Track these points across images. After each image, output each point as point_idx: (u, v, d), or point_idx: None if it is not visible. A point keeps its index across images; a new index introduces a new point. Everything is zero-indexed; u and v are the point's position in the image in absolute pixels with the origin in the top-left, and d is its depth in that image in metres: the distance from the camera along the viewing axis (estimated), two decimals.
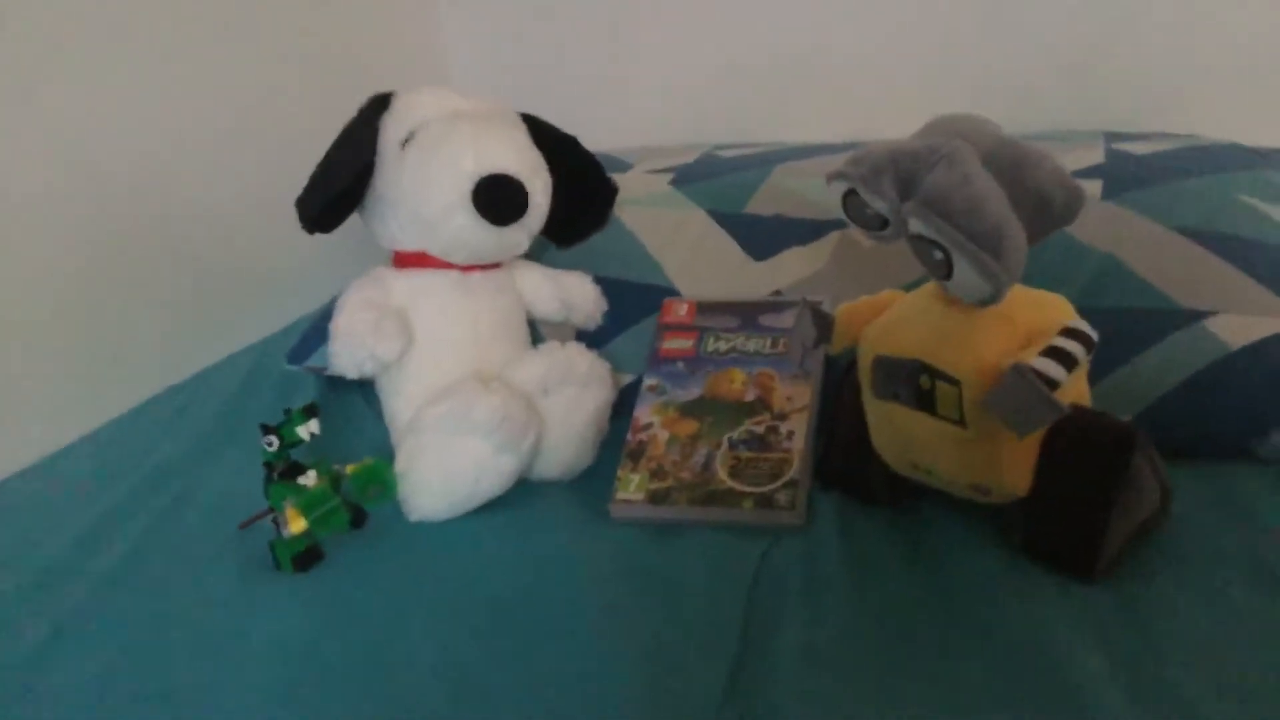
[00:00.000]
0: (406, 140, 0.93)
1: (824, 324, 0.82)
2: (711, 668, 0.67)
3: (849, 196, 0.72)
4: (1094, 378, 0.78)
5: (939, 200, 0.65)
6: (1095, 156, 1.09)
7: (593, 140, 1.05)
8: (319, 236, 0.96)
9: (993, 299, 0.67)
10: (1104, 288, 0.91)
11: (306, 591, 0.80)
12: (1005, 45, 1.35)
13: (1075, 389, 0.73)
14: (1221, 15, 1.24)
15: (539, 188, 0.93)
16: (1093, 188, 1.00)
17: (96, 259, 1.17)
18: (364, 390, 1.11)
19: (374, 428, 1.03)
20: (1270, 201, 0.99)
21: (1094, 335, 0.70)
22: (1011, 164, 0.68)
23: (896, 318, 0.78)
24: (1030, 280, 0.71)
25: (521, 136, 0.95)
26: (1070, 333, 0.69)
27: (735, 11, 1.47)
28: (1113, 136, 1.16)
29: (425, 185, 0.90)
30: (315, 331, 1.16)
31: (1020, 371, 0.66)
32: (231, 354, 1.29)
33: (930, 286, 0.76)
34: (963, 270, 0.66)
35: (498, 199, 0.89)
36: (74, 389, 1.15)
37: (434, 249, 0.94)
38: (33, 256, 1.11)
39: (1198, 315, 0.87)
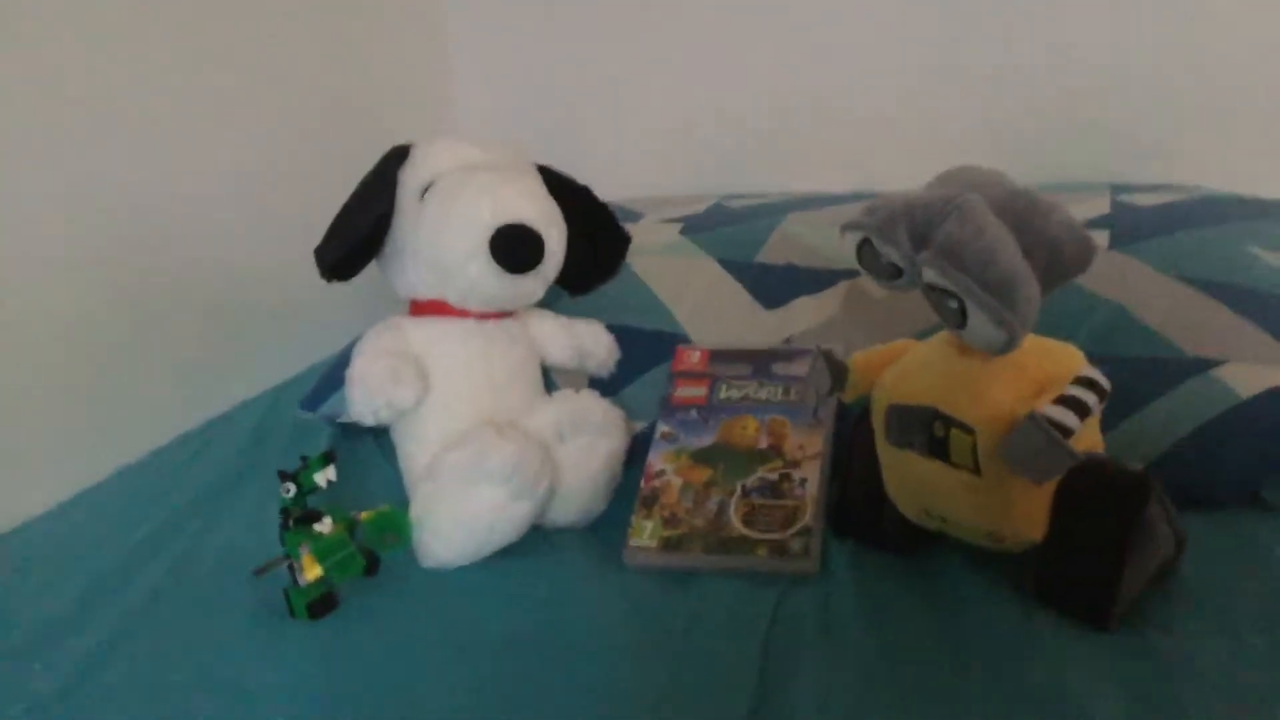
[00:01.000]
0: (425, 190, 0.94)
1: (838, 371, 0.82)
2: (727, 716, 0.67)
3: (863, 246, 0.73)
4: (1105, 426, 0.79)
5: (953, 251, 0.66)
6: (1102, 207, 1.11)
7: (597, 189, 1.07)
8: (332, 284, 0.97)
9: (1006, 348, 0.68)
10: (1113, 337, 0.92)
11: (320, 638, 0.79)
12: (1009, 97, 1.37)
13: (1089, 437, 0.74)
14: (1225, 69, 1.27)
15: (555, 237, 0.94)
16: (1100, 238, 1.02)
17: (109, 304, 1.19)
18: (377, 437, 1.11)
19: (387, 474, 1.04)
20: (1275, 251, 1.01)
21: (1107, 384, 0.70)
22: (1024, 215, 0.69)
23: (910, 366, 0.78)
24: (1040, 329, 0.72)
25: (538, 186, 0.96)
26: (1084, 381, 0.70)
27: (740, 63, 1.50)
28: (1118, 188, 1.18)
29: (443, 234, 0.92)
30: (329, 378, 1.17)
31: (1035, 420, 0.67)
32: (244, 401, 1.30)
33: (944, 335, 0.77)
34: (977, 319, 0.67)
35: (515, 248, 0.91)
36: (86, 436, 1.16)
37: (451, 297, 0.95)
38: (44, 301, 1.12)
39: (1207, 364, 0.88)
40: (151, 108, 1.23)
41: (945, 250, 0.67)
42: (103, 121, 1.17)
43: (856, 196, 1.22)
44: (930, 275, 0.68)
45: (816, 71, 1.46)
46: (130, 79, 1.20)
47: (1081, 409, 0.68)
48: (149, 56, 1.22)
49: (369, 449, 1.11)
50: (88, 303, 1.16)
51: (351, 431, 1.14)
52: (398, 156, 0.98)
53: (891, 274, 0.73)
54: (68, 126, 1.13)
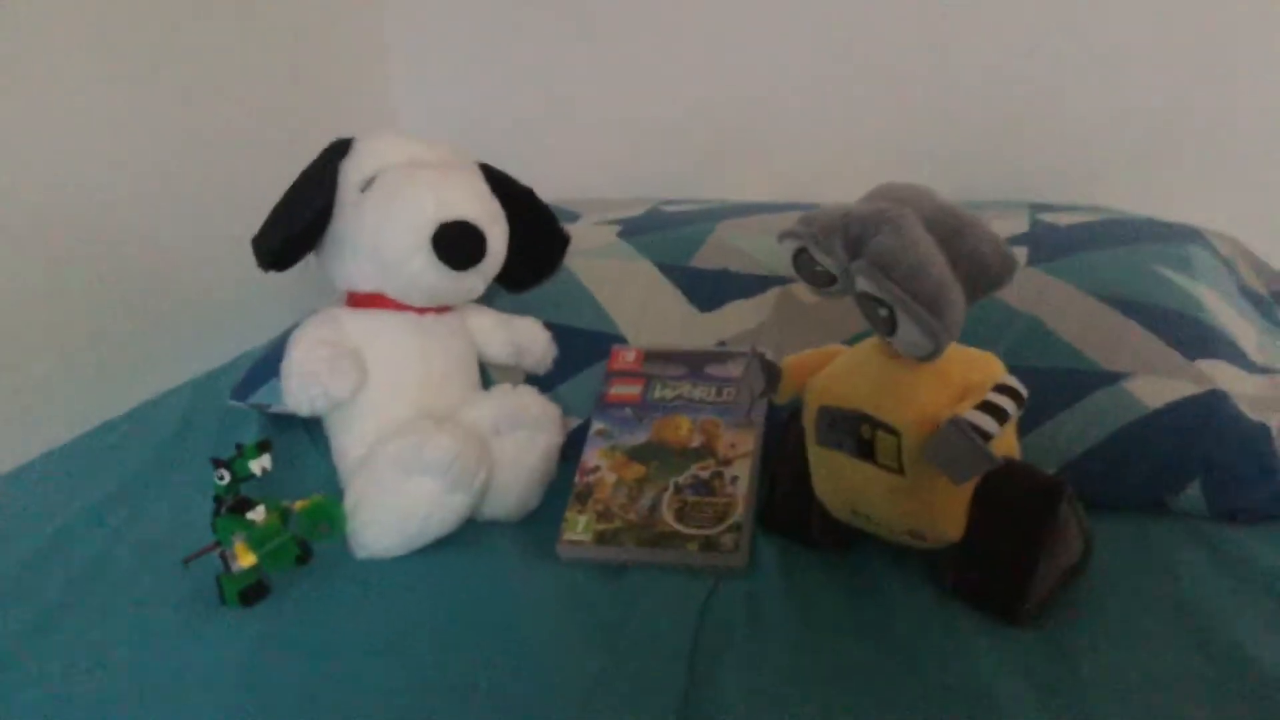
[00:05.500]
0: (367, 184, 0.95)
1: (772, 374, 0.85)
2: (658, 706, 0.68)
3: (800, 254, 0.76)
4: (1020, 433, 0.83)
5: (885, 261, 0.69)
6: (1020, 226, 1.15)
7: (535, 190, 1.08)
8: (262, 274, 0.97)
9: (933, 355, 0.71)
10: (1030, 348, 0.96)
11: (252, 626, 0.80)
12: (936, 121, 1.42)
13: (1006, 442, 0.78)
14: (1137, 101, 1.33)
15: (497, 235, 0.96)
16: (1019, 254, 1.05)
17: (30, 290, 1.16)
18: (309, 428, 1.11)
19: (318, 465, 1.04)
20: (1181, 272, 1.06)
21: (1024, 391, 0.74)
22: (952, 230, 0.72)
23: (840, 370, 0.81)
24: (962, 340, 0.75)
25: (480, 184, 0.98)
26: (1003, 389, 0.73)
27: (676, 74, 1.52)
28: (1036, 208, 1.23)
29: (386, 228, 0.92)
30: (261, 368, 1.16)
31: (957, 424, 0.70)
32: (170, 389, 1.28)
33: (872, 341, 0.80)
34: (906, 327, 0.70)
35: (457, 244, 0.92)
36: (8, 419, 1.14)
37: (391, 291, 0.96)
38: None
39: (1117, 377, 0.93)
40: (83, 96, 1.21)
41: (878, 261, 0.70)
42: (32, 108, 1.15)
43: (789, 206, 1.25)
44: (863, 284, 0.71)
45: (751, 88, 1.49)
46: (64, 67, 1.18)
47: (1000, 415, 0.72)
48: (84, 44, 1.20)
49: (300, 439, 1.11)
50: (13, 287, 1.13)
51: (282, 421, 1.13)
52: (339, 149, 0.98)
53: (825, 281, 0.76)
54: None
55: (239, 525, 0.83)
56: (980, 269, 0.73)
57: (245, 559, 0.82)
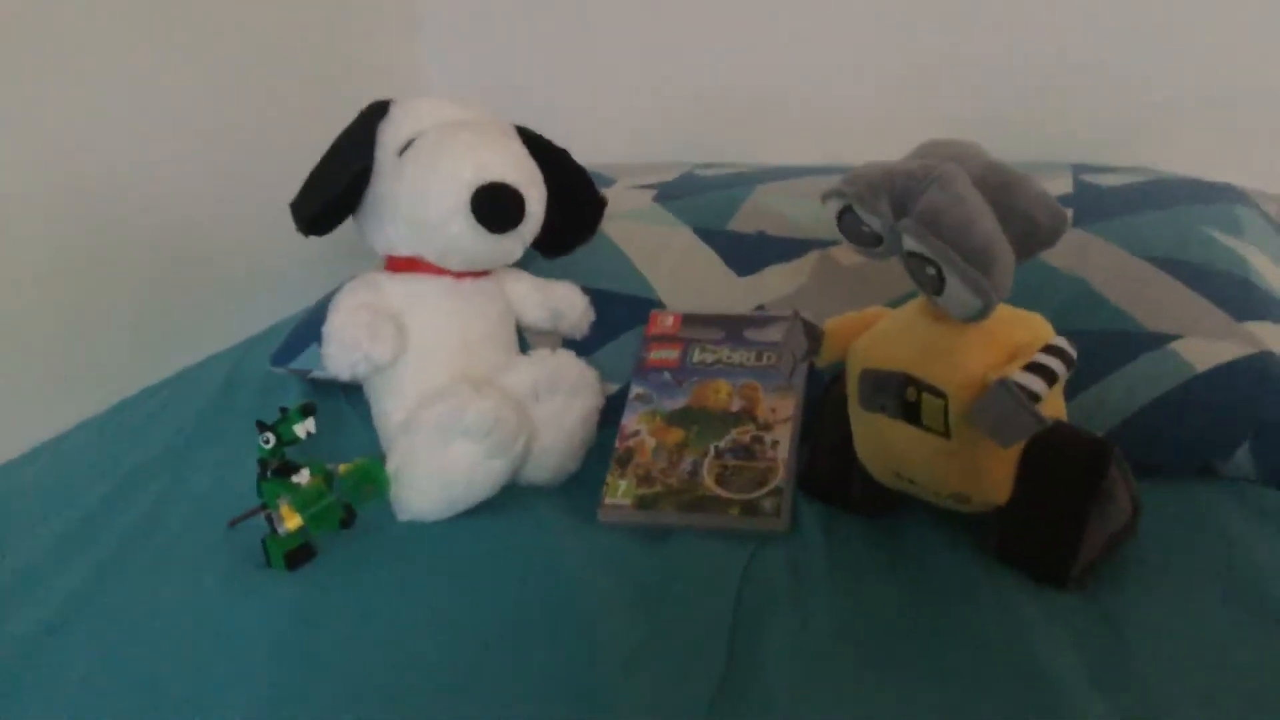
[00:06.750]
0: (404, 147, 0.95)
1: (814, 336, 0.84)
2: (702, 669, 0.68)
3: (844, 214, 0.75)
4: (1066, 396, 0.81)
5: (933, 219, 0.68)
6: (1064, 186, 1.13)
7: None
8: (299, 240, 0.97)
9: (981, 315, 0.70)
10: (1075, 310, 0.94)
11: (297, 589, 0.80)
12: (974, 77, 1.39)
13: (1053, 404, 0.77)
14: (1182, 57, 1.30)
15: (535, 197, 0.95)
16: None
17: (72, 257, 1.17)
18: (347, 393, 1.11)
19: (358, 431, 1.04)
20: (1228, 233, 1.04)
21: (1073, 353, 0.73)
22: (1001, 186, 0.71)
23: (884, 332, 0.80)
24: (1007, 303, 0.74)
25: (518, 147, 0.97)
26: (1052, 350, 0.72)
27: (714, 38, 1.51)
28: (1080, 168, 1.20)
29: (424, 192, 0.92)
30: (301, 333, 1.16)
31: (1005, 385, 0.69)
32: (209, 356, 1.29)
33: (917, 302, 0.79)
34: (954, 286, 0.69)
35: (496, 207, 0.91)
36: (47, 389, 1.15)
37: (429, 254, 0.96)
38: (9, 252, 1.10)
39: (1164, 339, 0.91)
40: (119, 65, 1.21)
41: (925, 218, 0.69)
42: (70, 78, 1.15)
43: (827, 169, 1.24)
44: (910, 242, 0.70)
45: (786, 50, 1.47)
46: (97, 37, 1.18)
47: (1049, 376, 0.71)
48: (115, 14, 1.20)
49: (339, 405, 1.11)
50: (46, 257, 1.15)
51: (321, 387, 1.14)
52: (377, 112, 0.98)
53: (871, 242, 0.75)
54: (34, 83, 1.11)
55: (284, 488, 0.84)
56: (1030, 226, 0.72)
57: (291, 521, 0.82)
